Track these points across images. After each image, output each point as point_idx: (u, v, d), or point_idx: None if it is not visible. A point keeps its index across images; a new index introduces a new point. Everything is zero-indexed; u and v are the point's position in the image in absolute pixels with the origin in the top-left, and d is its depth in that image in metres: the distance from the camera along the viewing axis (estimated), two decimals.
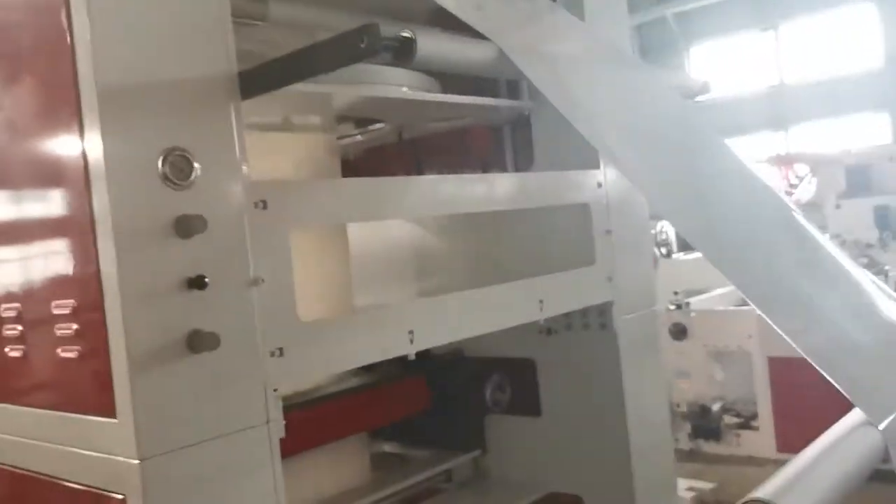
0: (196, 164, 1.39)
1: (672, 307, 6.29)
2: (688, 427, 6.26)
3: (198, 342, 1.35)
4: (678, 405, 6.22)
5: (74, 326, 1.41)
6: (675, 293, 6.51)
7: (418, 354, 2.60)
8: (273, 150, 2.36)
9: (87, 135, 1.32)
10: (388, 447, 2.96)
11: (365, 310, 1.73)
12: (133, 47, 1.34)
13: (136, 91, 1.34)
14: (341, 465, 2.49)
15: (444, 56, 1.38)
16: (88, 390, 1.38)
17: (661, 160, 1.51)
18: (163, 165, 1.35)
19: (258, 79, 1.46)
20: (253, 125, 2.30)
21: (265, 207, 1.51)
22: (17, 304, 1.58)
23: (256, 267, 1.47)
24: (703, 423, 6.20)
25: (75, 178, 1.35)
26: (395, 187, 1.84)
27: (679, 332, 6.26)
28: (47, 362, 1.50)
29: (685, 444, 6.17)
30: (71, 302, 1.41)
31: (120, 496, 1.34)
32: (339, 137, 2.67)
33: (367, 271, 2.82)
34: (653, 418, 2.50)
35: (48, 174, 1.46)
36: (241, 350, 1.44)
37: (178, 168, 1.37)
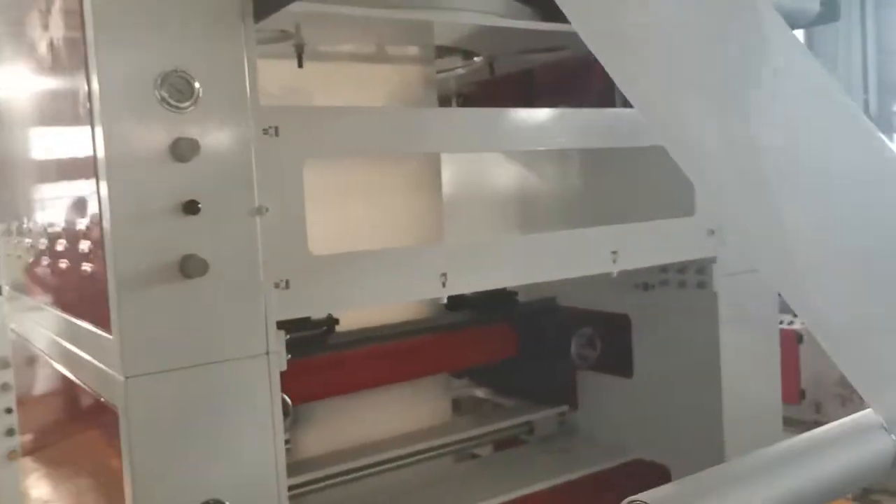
0: (197, 86, 1.36)
1: None
2: None
3: (191, 267, 1.35)
4: None
5: (88, 244, 1.46)
6: None
7: (506, 299, 2.53)
8: (367, 80, 2.32)
9: (88, 56, 1.33)
10: (479, 392, 2.90)
11: (391, 249, 1.64)
12: None
13: (132, 7, 1.32)
14: (421, 404, 2.47)
15: None
16: (96, 305, 1.43)
17: None
18: (161, 87, 1.33)
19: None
20: (346, 55, 2.29)
21: (276, 134, 1.46)
22: (56, 222, 1.67)
23: (262, 196, 1.43)
24: None
25: (83, 104, 1.38)
26: (428, 118, 1.72)
27: None
28: (75, 276, 1.57)
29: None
30: (85, 221, 1.46)
31: (116, 409, 1.38)
32: (440, 71, 2.57)
33: (462, 209, 2.73)
34: (753, 391, 2.22)
35: (67, 101, 1.51)
36: (239, 278, 1.42)
37: (177, 90, 1.34)
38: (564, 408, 2.58)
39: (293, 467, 2.17)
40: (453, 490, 2.25)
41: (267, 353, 1.46)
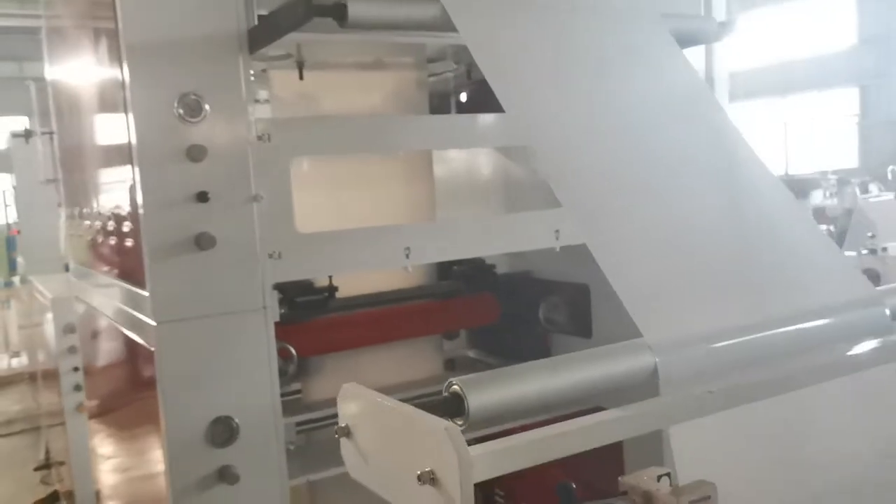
0: (206, 106, 1.80)
1: (865, 251, 5.84)
2: None
3: (204, 242, 1.80)
4: None
5: (128, 224, 1.93)
6: (871, 235, 5.99)
7: (486, 273, 2.94)
8: (364, 85, 2.74)
9: (124, 81, 1.79)
10: (471, 353, 3.32)
11: (364, 228, 2.07)
12: (156, 10, 1.77)
13: (158, 46, 1.77)
14: (416, 361, 2.91)
15: (381, 17, 1.63)
16: (136, 270, 1.90)
17: None
18: (178, 106, 1.78)
19: (254, 37, 1.83)
20: (345, 64, 2.71)
21: (269, 140, 1.90)
22: (106, 208, 2.15)
23: (258, 187, 1.88)
24: None
25: (120, 116, 1.84)
26: (381, 124, 2.14)
27: (871, 278, 5.83)
28: (120, 249, 2.05)
29: None
30: (128, 207, 1.93)
31: (152, 349, 1.85)
32: (430, 75, 2.98)
33: (453, 196, 3.15)
34: None
35: (110, 110, 1.98)
36: (241, 250, 1.86)
37: (190, 108, 1.79)
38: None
39: (304, 408, 2.65)
40: None
41: (264, 307, 1.91)
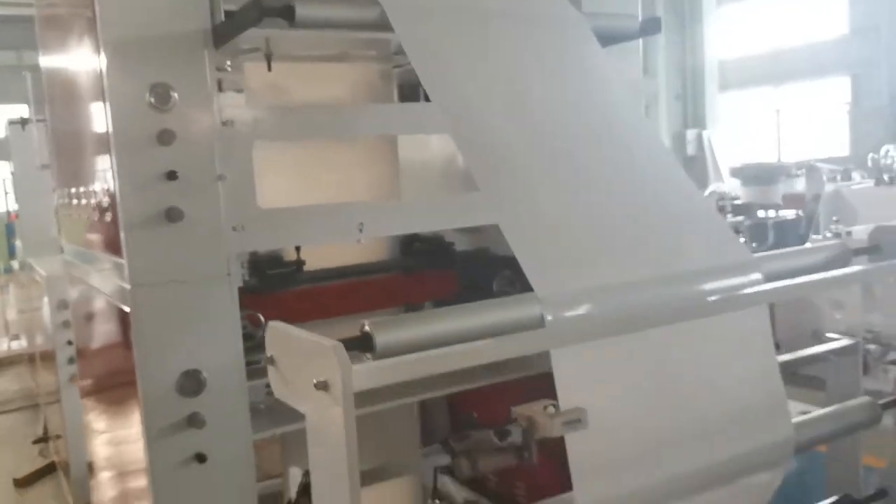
0: (175, 95, 2.04)
1: (830, 235, 6.09)
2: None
3: (173, 215, 2.04)
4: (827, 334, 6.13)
5: (108, 201, 2.18)
6: (835, 220, 6.23)
7: (445, 249, 3.18)
8: (330, 78, 2.98)
9: (102, 72, 2.03)
10: None
11: (320, 205, 2.31)
12: (130, 7, 2.00)
13: (132, 40, 2.00)
14: None
15: (327, 17, 1.86)
16: (115, 242, 2.14)
17: None
18: (150, 95, 2.02)
19: (218, 33, 2.06)
20: (311, 57, 2.95)
21: (232, 125, 2.14)
22: (92, 187, 2.39)
23: (223, 167, 2.12)
24: None
25: (99, 104, 2.08)
26: (334, 112, 2.37)
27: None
28: (102, 225, 2.30)
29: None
30: (106, 186, 2.18)
31: (127, 309, 2.10)
32: (396, 66, 3.21)
33: (417, 180, 3.38)
34: None
35: (90, 99, 2.22)
36: (206, 223, 2.10)
37: (161, 97, 2.03)
38: None
39: None
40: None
41: (228, 274, 2.15)
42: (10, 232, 13.19)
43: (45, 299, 4.91)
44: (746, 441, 1.74)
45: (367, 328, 1.37)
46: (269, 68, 2.70)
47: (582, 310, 1.54)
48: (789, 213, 8.39)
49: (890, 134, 14.28)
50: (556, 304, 1.51)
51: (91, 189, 2.40)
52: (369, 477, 1.86)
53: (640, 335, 1.57)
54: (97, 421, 3.56)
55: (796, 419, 1.89)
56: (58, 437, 6.01)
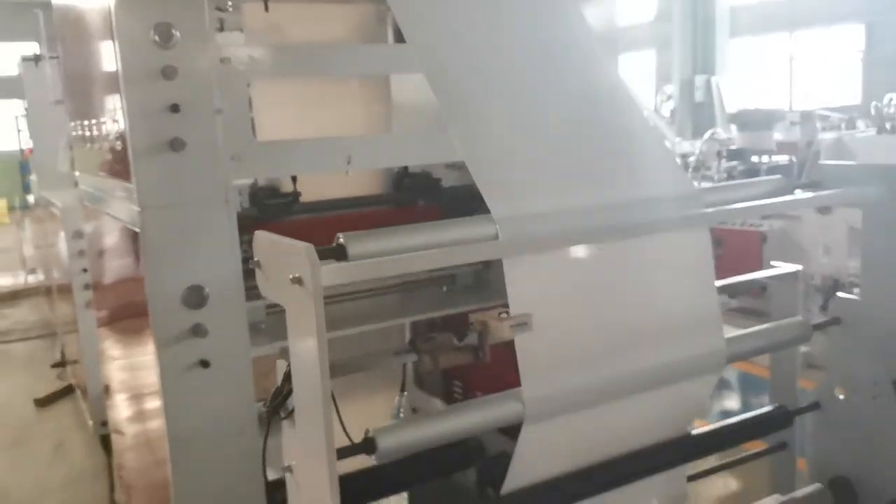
0: (176, 33, 2.23)
1: None
2: (819, 300, 6.37)
3: (176, 144, 2.25)
4: (813, 277, 6.34)
5: (117, 128, 2.39)
6: None
7: (432, 185, 3.39)
8: (327, 18, 3.15)
9: (111, 11, 2.22)
10: None
11: (312, 138, 2.52)
12: None
13: None
14: None
15: None
16: (125, 169, 2.36)
17: None
18: (154, 33, 2.21)
19: None
20: None
21: (229, 62, 2.34)
22: (104, 119, 2.61)
23: (221, 101, 2.32)
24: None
25: (108, 42, 2.28)
26: (322, 50, 2.56)
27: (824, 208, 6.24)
28: (114, 153, 2.52)
29: (818, 316, 6.34)
30: (118, 119, 2.39)
31: (137, 230, 2.33)
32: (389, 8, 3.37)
33: (409, 118, 3.57)
34: None
35: (100, 37, 2.41)
36: (206, 153, 2.31)
37: (164, 35, 2.22)
38: (479, 266, 3.47)
39: None
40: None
41: (226, 200, 2.37)
42: (24, 169, 13.46)
43: (62, 233, 5.16)
44: (681, 350, 1.97)
45: (341, 240, 1.59)
46: (266, 8, 2.89)
47: (532, 227, 1.75)
48: (782, 159, 8.50)
49: None
50: (510, 222, 1.72)
51: (103, 121, 2.61)
52: (344, 369, 2.10)
53: (586, 252, 1.79)
54: (112, 348, 3.84)
55: (731, 334, 2.11)
56: (74, 362, 6.36)
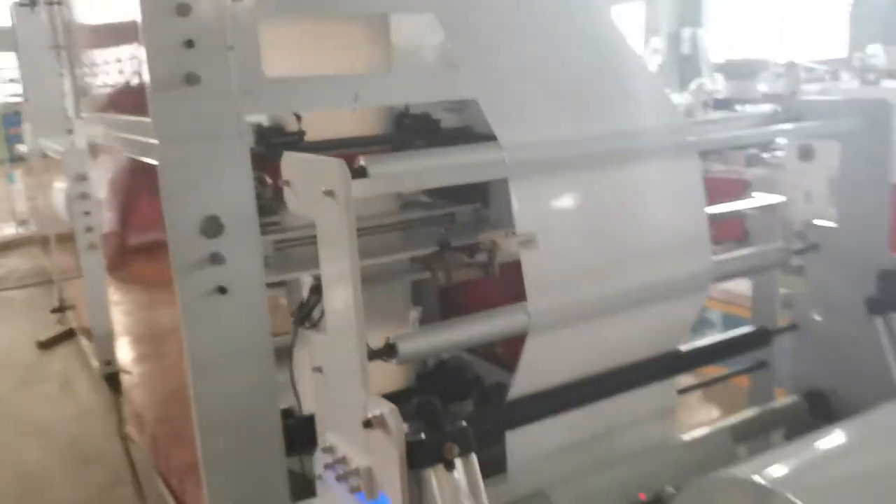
0: None
1: None
2: (799, 244, 6.60)
3: (191, 79, 2.35)
4: (793, 223, 6.55)
5: (135, 67, 2.49)
6: None
7: (432, 126, 3.50)
8: None
9: None
10: (423, 197, 3.93)
11: (320, 75, 2.62)
12: None
13: None
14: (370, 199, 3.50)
15: None
16: (142, 104, 2.46)
17: None
18: None
19: None
20: None
21: (241, 1, 2.43)
22: (120, 57, 2.69)
23: (232, 38, 2.41)
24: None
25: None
26: None
27: (805, 153, 6.41)
28: (130, 90, 2.61)
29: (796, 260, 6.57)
30: (134, 54, 2.48)
31: (155, 163, 2.44)
32: None
33: (408, 60, 3.66)
34: None
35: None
36: (220, 87, 2.41)
37: None
38: (478, 205, 3.60)
39: (280, 231, 3.27)
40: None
41: (240, 134, 2.48)
42: (8, 122, 13.36)
43: (58, 181, 5.22)
44: (673, 269, 2.13)
45: (362, 162, 1.72)
46: None
47: (536, 152, 1.88)
48: (766, 108, 8.62)
49: (889, 36, 14.27)
50: (516, 147, 1.86)
51: (119, 59, 2.70)
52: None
53: (586, 177, 1.93)
54: (120, 291, 3.96)
55: (718, 257, 2.27)
56: (73, 307, 6.48)
